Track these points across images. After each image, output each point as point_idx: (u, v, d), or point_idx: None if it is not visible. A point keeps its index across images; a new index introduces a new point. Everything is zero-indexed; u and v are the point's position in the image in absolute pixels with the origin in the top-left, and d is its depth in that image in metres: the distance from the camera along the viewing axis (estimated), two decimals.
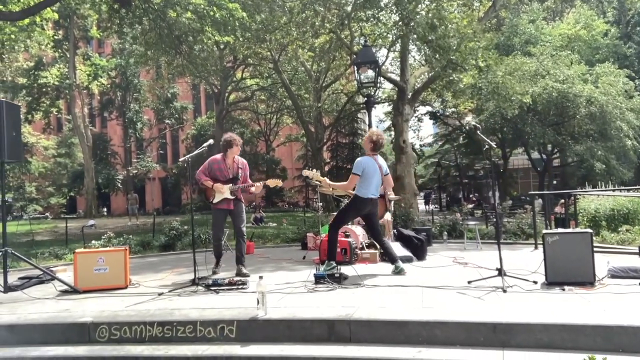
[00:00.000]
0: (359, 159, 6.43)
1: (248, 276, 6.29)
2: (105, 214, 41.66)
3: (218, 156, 6.50)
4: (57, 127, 47.65)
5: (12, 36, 18.45)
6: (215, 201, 6.41)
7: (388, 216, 8.91)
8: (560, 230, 5.41)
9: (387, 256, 6.57)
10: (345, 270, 6.17)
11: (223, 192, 6.43)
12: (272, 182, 6.87)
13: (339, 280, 5.70)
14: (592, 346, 3.54)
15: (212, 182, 6.35)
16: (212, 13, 14.48)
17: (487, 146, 5.62)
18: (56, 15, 18.95)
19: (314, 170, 6.82)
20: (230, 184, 6.51)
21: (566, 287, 4.87)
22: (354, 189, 6.46)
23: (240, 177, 6.63)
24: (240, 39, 17.15)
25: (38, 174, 43.31)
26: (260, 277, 4.38)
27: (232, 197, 6.53)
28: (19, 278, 6.63)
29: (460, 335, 3.84)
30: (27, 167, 40.04)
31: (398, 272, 6.23)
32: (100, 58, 36.30)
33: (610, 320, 3.74)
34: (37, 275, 6.70)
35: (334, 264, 6.28)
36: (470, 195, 41.47)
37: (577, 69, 24.54)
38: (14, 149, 6.00)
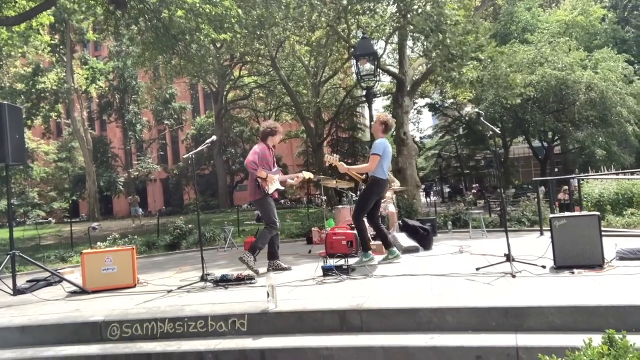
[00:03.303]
0: (377, 140, 6.41)
1: (290, 268, 6.40)
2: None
3: (263, 145, 6.41)
4: (56, 132, 47.75)
5: (9, 41, 18.44)
6: (271, 191, 6.30)
7: (392, 207, 8.92)
8: (567, 214, 5.40)
9: (382, 240, 6.57)
10: (352, 261, 6.16)
11: (275, 182, 6.37)
12: (307, 174, 7.00)
13: (347, 271, 5.69)
14: (605, 327, 3.49)
15: (265, 173, 6.23)
16: (207, 10, 14.44)
17: (491, 132, 5.60)
18: (52, 19, 18.91)
19: (334, 155, 6.78)
20: (277, 175, 6.49)
21: (575, 270, 4.86)
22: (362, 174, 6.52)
23: (279, 167, 6.72)
24: (237, 36, 17.10)
25: (40, 179, 43.34)
26: (269, 270, 4.38)
27: (282, 188, 6.56)
28: (27, 281, 6.65)
29: (471, 321, 3.84)
30: (29, 172, 40.05)
31: (393, 257, 6.31)
32: (98, 61, 36.25)
33: (623, 300, 3.73)
34: (45, 277, 6.72)
35: (371, 254, 6.31)
36: (473, 186, 41.44)
37: (576, 55, 24.50)
38: (17, 151, 5.99)
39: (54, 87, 32.65)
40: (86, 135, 34.96)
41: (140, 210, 27.70)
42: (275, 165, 6.61)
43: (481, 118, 5.68)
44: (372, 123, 6.74)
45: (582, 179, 12.26)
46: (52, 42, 30.04)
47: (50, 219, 41.44)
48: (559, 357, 3.04)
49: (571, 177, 13.20)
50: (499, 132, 5.63)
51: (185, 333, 4.30)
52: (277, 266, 6.41)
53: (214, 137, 6.38)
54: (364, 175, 6.59)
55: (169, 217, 23.94)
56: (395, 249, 6.41)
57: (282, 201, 45.08)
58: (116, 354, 4.14)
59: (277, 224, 6.42)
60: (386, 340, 3.80)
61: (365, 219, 6.53)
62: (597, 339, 3.30)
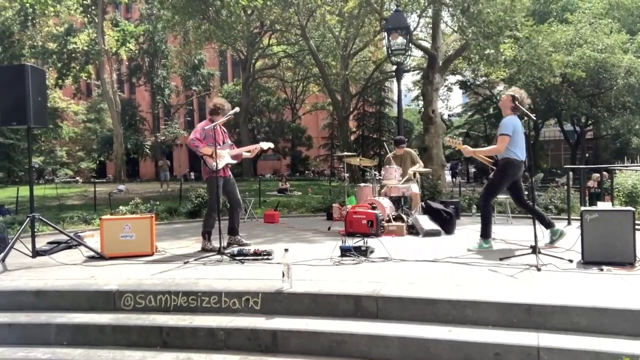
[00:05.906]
0: (505, 118, 5.78)
1: (249, 245, 6.42)
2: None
3: (207, 121, 6.36)
4: (86, 93, 48.17)
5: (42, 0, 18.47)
6: (220, 167, 6.20)
7: (416, 188, 8.73)
8: (599, 207, 5.14)
9: (540, 220, 5.82)
10: (372, 242, 6.03)
11: (224, 157, 6.32)
12: (266, 145, 6.78)
13: (366, 253, 5.58)
14: (634, 333, 3.35)
15: (210, 149, 6.12)
16: None
17: (526, 118, 5.35)
18: None
19: (456, 139, 6.44)
20: (227, 149, 6.44)
21: (604, 267, 4.65)
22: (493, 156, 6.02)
23: (231, 142, 6.66)
24: (269, 3, 16.81)
25: (68, 138, 44.08)
26: (286, 250, 4.28)
27: (235, 162, 6.52)
28: (48, 243, 6.69)
29: (492, 316, 3.68)
30: (58, 131, 40.72)
31: (557, 237, 5.89)
32: (129, 24, 36.19)
33: None
34: (65, 240, 6.74)
35: (491, 242, 5.95)
36: None
37: (618, 38, 23.50)
38: (39, 114, 5.94)
39: (85, 48, 32.76)
40: (115, 97, 35.16)
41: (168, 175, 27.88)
42: (227, 140, 6.56)
43: (516, 102, 5.42)
44: (502, 98, 5.98)
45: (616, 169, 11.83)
46: (85, 2, 30.08)
47: (77, 178, 42.26)
48: None
49: (605, 167, 12.74)
50: (535, 117, 5.23)
51: (198, 308, 4.25)
52: (238, 242, 6.55)
53: (237, 109, 6.25)
54: (493, 159, 6.06)
55: (194, 183, 24.09)
56: (557, 228, 5.94)
57: (307, 172, 45.14)
58: (128, 325, 4.11)
59: (217, 210, 6.14)
60: (402, 330, 3.68)
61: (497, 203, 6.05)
62: (626, 345, 3.15)
